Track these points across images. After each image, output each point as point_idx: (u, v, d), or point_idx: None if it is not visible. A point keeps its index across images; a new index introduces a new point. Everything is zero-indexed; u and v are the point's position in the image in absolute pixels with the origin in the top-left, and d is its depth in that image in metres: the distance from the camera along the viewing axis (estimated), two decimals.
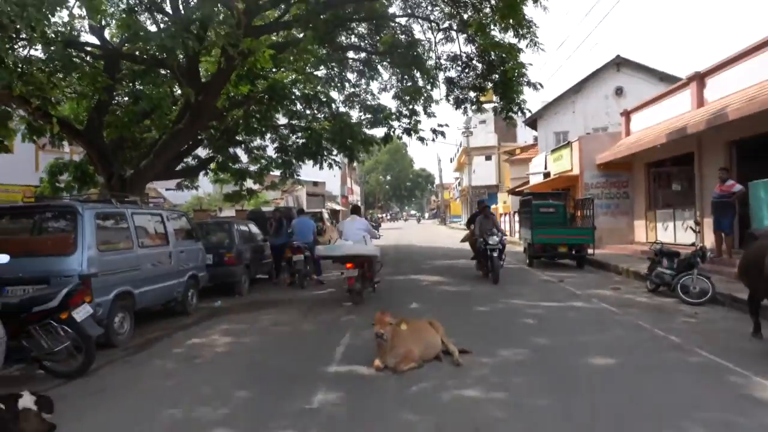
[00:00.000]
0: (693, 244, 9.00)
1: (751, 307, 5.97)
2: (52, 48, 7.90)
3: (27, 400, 4.00)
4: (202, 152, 17.30)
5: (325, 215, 21.54)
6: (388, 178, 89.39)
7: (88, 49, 10.54)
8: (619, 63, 24.72)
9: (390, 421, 3.98)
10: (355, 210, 10.94)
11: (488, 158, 45.85)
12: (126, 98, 13.51)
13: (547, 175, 22.28)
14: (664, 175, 16.21)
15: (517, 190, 27.04)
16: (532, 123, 27.50)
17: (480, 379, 4.89)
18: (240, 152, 17.41)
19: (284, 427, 3.92)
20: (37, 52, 8.63)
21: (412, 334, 5.43)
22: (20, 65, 7.96)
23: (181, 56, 9.89)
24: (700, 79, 13.09)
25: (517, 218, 24.49)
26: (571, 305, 8.56)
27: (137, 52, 10.75)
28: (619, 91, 24.59)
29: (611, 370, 5.14)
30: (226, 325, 7.76)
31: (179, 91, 12.47)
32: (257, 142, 17.61)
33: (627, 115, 17.69)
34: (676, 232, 14.24)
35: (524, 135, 42.05)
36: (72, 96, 11.88)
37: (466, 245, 14.52)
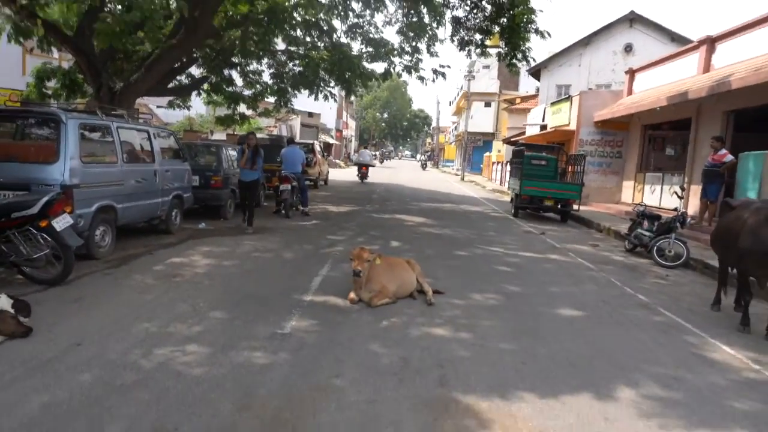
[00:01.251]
0: (675, 209, 9.12)
1: (720, 276, 6.14)
2: None
3: (4, 302, 4.09)
4: (196, 72, 16.81)
5: (317, 147, 21.30)
6: (385, 115, 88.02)
7: None
8: (633, 18, 23.98)
9: (358, 351, 4.13)
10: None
11: (488, 105, 45.16)
12: (119, 6, 12.93)
13: (543, 127, 22.08)
14: (659, 139, 16.16)
15: (512, 139, 26.87)
16: (536, 73, 26.93)
17: (449, 320, 5.05)
18: (235, 75, 16.93)
19: (255, 348, 4.06)
20: None
21: (388, 271, 5.55)
22: None
23: None
24: (710, 43, 12.78)
25: (508, 168, 24.50)
26: (548, 257, 8.74)
27: None
28: (628, 48, 24.00)
29: (577, 321, 5.33)
30: (208, 247, 7.84)
31: (175, 4, 11.93)
32: (253, 66, 17.09)
33: (632, 74, 17.35)
34: (662, 196, 14.36)
35: (526, 85, 41.23)
36: None
37: (455, 190, 14.53)
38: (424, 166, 51.96)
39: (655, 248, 8.68)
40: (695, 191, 11.80)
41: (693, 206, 11.89)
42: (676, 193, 9.50)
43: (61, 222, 5.21)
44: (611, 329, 5.15)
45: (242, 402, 3.24)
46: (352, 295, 5.38)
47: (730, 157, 10.34)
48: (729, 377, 4.14)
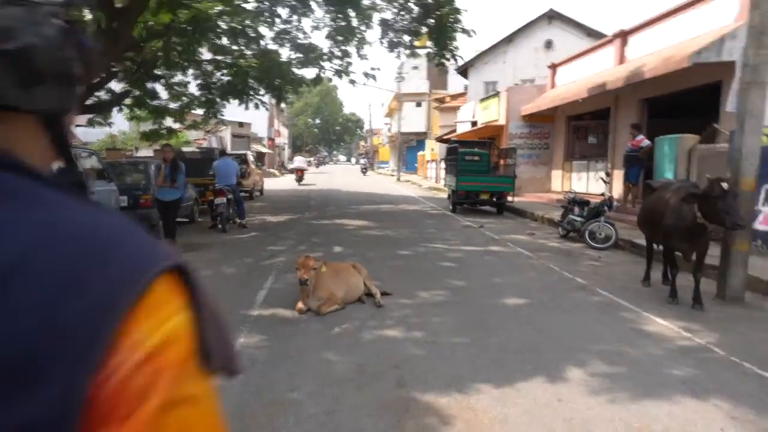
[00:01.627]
0: (602, 194, 9.63)
1: (647, 254, 6.53)
2: None
3: None
4: (116, 86, 16.00)
5: (250, 157, 20.87)
6: (317, 121, 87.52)
7: None
8: (551, 16, 25.15)
9: (311, 362, 4.05)
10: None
11: (419, 105, 45.93)
12: None
13: (474, 123, 22.72)
14: (582, 129, 17.04)
15: (444, 137, 27.45)
16: (464, 71, 27.66)
17: (400, 320, 5.06)
18: (159, 88, 16.25)
19: None
20: None
21: (334, 277, 5.49)
22: None
23: None
24: (623, 36, 13.61)
25: (443, 165, 25.02)
26: (488, 249, 8.98)
27: None
28: (548, 44, 25.13)
29: (522, 309, 5.49)
30: None
31: (90, 16, 11.30)
32: (178, 77, 16.48)
33: (554, 68, 18.19)
34: (589, 183, 15.14)
35: (455, 84, 42.26)
36: None
37: (392, 191, 14.68)
38: (364, 171, 44.07)
39: (586, 232, 9.12)
40: (618, 176, 12.51)
41: (617, 190, 12.60)
42: (602, 178, 10.03)
43: None
44: (555, 313, 5.34)
45: None
46: (300, 304, 5.28)
47: (647, 142, 11.05)
48: (664, 347, 4.40)
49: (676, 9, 11.53)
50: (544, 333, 4.74)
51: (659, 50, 11.77)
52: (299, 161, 34.37)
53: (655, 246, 6.43)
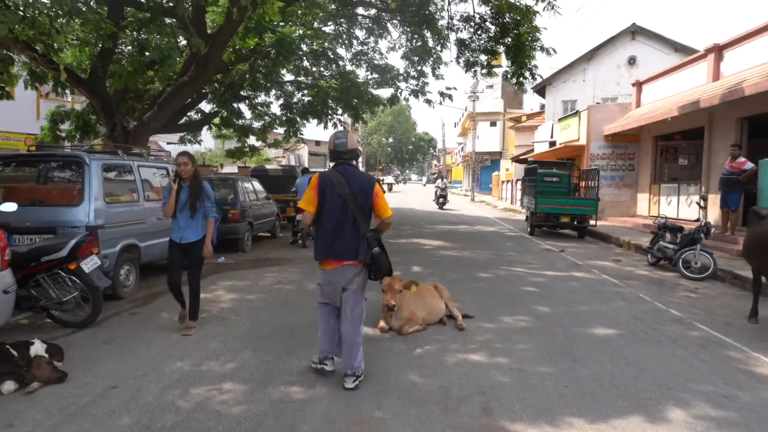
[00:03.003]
0: (698, 220, 9.01)
1: (754, 288, 6.00)
2: None
3: (38, 348, 4.07)
4: (205, 106, 17.08)
5: None
6: (391, 140, 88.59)
7: None
8: (635, 31, 24.16)
9: (395, 382, 4.05)
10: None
11: (493, 124, 45.38)
12: (130, 47, 13.23)
13: (552, 143, 22.09)
14: (671, 149, 16.09)
15: (521, 157, 26.88)
16: (541, 90, 27.08)
17: (483, 344, 4.96)
18: (244, 108, 17.19)
19: (291, 383, 3.99)
20: None
21: (416, 297, 5.48)
22: (23, 8, 7.72)
23: (188, 5, 9.61)
24: (718, 51, 12.80)
25: (519, 186, 24.44)
26: (572, 275, 8.63)
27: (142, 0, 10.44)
28: (632, 61, 24.12)
29: (613, 340, 5.21)
30: (230, 281, 7.82)
31: (184, 42, 12.19)
32: (262, 98, 17.37)
33: (639, 85, 17.39)
34: (680, 207, 14.23)
35: (530, 102, 41.52)
36: (74, 43, 11.61)
37: (466, 211, 14.52)
38: (441, 203, 25.40)
39: (680, 261, 8.54)
40: (713, 200, 11.67)
41: (712, 216, 11.74)
42: (697, 203, 9.40)
43: (90, 264, 5.22)
44: (649, 347, 5.02)
45: None
46: (381, 323, 5.31)
47: (750, 165, 10.25)
48: None
49: None
50: (639, 367, 4.46)
51: (760, 65, 10.95)
52: (389, 179, 54.28)
53: (764, 279, 5.91)
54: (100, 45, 10.25)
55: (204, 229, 5.39)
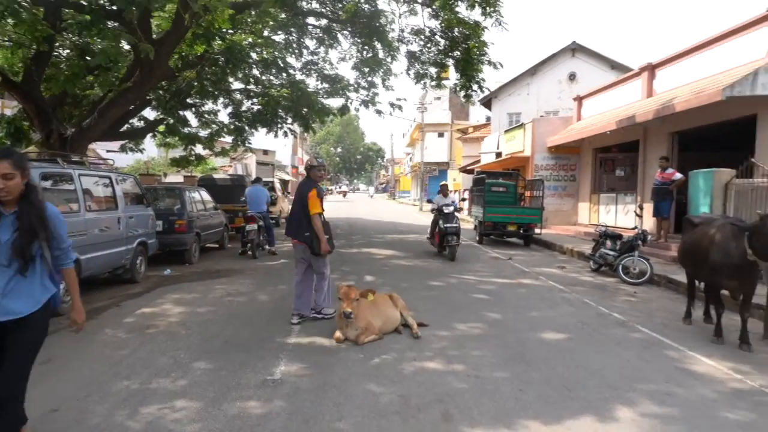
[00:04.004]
0: (635, 228, 9.49)
1: (689, 291, 6.38)
2: None
3: None
4: (149, 114, 16.49)
5: (277, 184, 21.17)
6: (339, 150, 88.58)
7: None
8: (575, 48, 25.33)
9: (354, 392, 4.02)
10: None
11: (441, 135, 46.24)
12: (68, 51, 12.61)
13: (498, 154, 22.75)
14: (609, 161, 16.93)
15: (468, 168, 27.52)
16: (487, 102, 27.87)
17: (439, 352, 5.01)
18: (190, 116, 16.72)
19: (247, 398, 3.89)
20: None
21: (372, 307, 5.48)
22: None
23: (134, 8, 9.28)
24: (651, 69, 13.62)
25: (467, 196, 24.98)
26: (520, 282, 8.88)
27: (83, 1, 9.99)
28: (572, 77, 25.25)
29: (562, 344, 5.39)
30: (178, 294, 7.54)
31: (128, 47, 11.75)
32: (209, 106, 16.95)
33: (579, 100, 18.23)
34: (617, 216, 14.96)
35: (477, 114, 42.61)
36: (5, 44, 10.95)
37: (415, 221, 14.64)
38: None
39: (620, 267, 8.97)
40: (647, 209, 12.35)
41: (647, 224, 12.42)
42: (635, 212, 9.91)
43: None
44: (596, 349, 5.23)
45: None
46: (338, 334, 5.27)
47: (679, 175, 10.93)
48: (716, 389, 4.26)
49: (705, 43, 11.53)
50: (588, 370, 4.63)
51: (689, 83, 11.75)
52: (344, 188, 55.66)
53: (697, 283, 6.30)
54: (34, 47, 9.72)
55: (46, 290, 3.05)
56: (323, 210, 6.07)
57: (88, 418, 3.54)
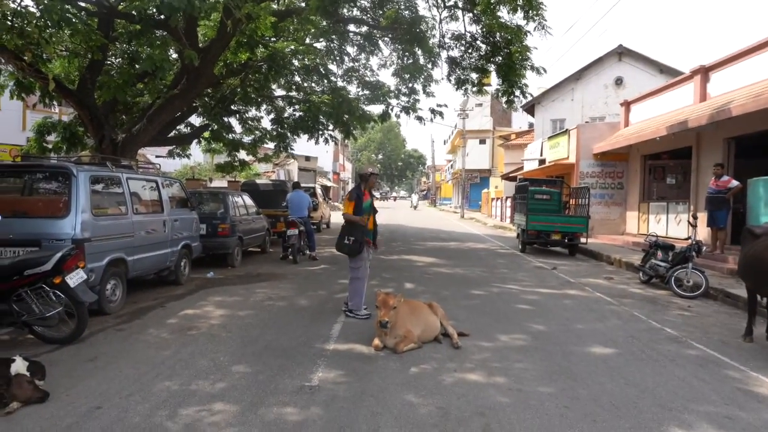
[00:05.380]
0: (688, 238, 9.03)
1: (749, 306, 5.98)
2: (46, 1, 7.55)
3: (19, 365, 3.89)
4: (195, 120, 16.98)
5: (319, 190, 21.37)
6: (380, 156, 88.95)
7: (82, 4, 10.14)
8: (621, 52, 24.59)
9: (392, 402, 3.92)
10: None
11: (482, 142, 45.73)
12: (119, 59, 13.12)
13: (542, 161, 22.24)
14: (659, 168, 16.25)
15: (510, 175, 27.03)
16: (530, 109, 27.36)
17: (480, 363, 4.85)
18: (234, 122, 17.11)
19: (284, 404, 3.85)
20: (30, 5, 8.29)
21: (411, 315, 5.38)
22: (11, 18, 7.62)
23: (179, 17, 9.56)
24: (704, 72, 13.01)
25: (509, 203, 24.54)
26: (565, 293, 8.57)
27: (134, 11, 10.37)
28: (618, 81, 24.51)
29: (610, 359, 5.13)
30: (220, 297, 7.65)
31: (174, 55, 12.12)
32: (252, 112, 17.32)
33: (627, 105, 17.62)
34: (668, 225, 14.32)
35: (519, 121, 42.00)
36: (63, 54, 11.48)
37: (457, 228, 14.45)
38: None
39: (672, 279, 8.54)
40: (701, 219, 11.76)
41: (701, 234, 11.82)
42: (689, 222, 9.43)
43: (75, 278, 5.05)
44: (647, 366, 4.95)
45: None
46: (376, 341, 5.19)
47: (735, 183, 10.36)
48: None
49: (764, 43, 10.91)
50: (639, 387, 4.38)
51: (746, 86, 11.14)
52: (377, 194, 53.84)
53: (759, 298, 5.90)
54: (89, 56, 10.14)
55: None
56: (352, 212, 6.50)
57: (129, 417, 3.58)
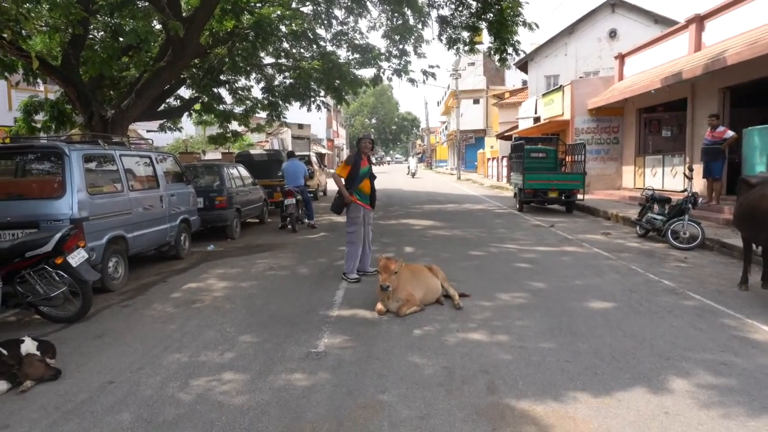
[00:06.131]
0: (685, 190, 9.07)
1: (744, 255, 6.06)
2: None
3: (29, 345, 3.95)
4: (184, 93, 16.69)
5: (314, 158, 21.24)
6: (374, 121, 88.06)
7: None
8: (614, 3, 24.10)
9: (398, 364, 4.01)
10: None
11: (476, 102, 45.24)
12: (102, 33, 12.80)
13: (537, 119, 22.09)
14: (655, 121, 16.18)
15: (505, 134, 26.87)
16: (523, 66, 26.97)
17: (482, 323, 4.95)
18: (224, 93, 16.84)
19: (292, 370, 3.94)
20: None
21: (413, 278, 5.44)
22: None
23: None
24: (699, 21, 12.80)
25: (505, 163, 24.48)
26: (563, 249, 8.67)
27: None
28: (612, 34, 24.09)
29: (609, 312, 5.24)
30: (221, 269, 7.71)
31: (159, 26, 11.82)
32: (242, 82, 17.03)
33: (621, 58, 17.38)
34: (665, 178, 14.36)
35: (513, 78, 41.44)
36: (43, 29, 11.18)
37: (454, 190, 14.45)
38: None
39: (669, 231, 8.62)
40: (697, 170, 11.77)
41: (697, 186, 11.85)
42: (685, 174, 9.45)
43: (77, 257, 5.08)
44: (646, 318, 5.05)
45: (292, 429, 3.11)
46: (379, 306, 5.27)
47: (730, 133, 10.34)
48: None
49: None
50: (638, 339, 4.48)
51: (742, 34, 10.98)
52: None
53: (754, 247, 5.97)
54: (70, 31, 9.88)
55: None
56: (346, 176, 6.69)
57: (141, 390, 3.66)
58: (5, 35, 8.13)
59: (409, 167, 41.02)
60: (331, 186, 25.95)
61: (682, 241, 8.43)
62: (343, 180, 6.67)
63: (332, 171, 33.57)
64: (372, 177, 6.87)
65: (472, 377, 3.77)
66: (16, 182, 6.42)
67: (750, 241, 5.96)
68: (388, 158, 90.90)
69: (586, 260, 7.80)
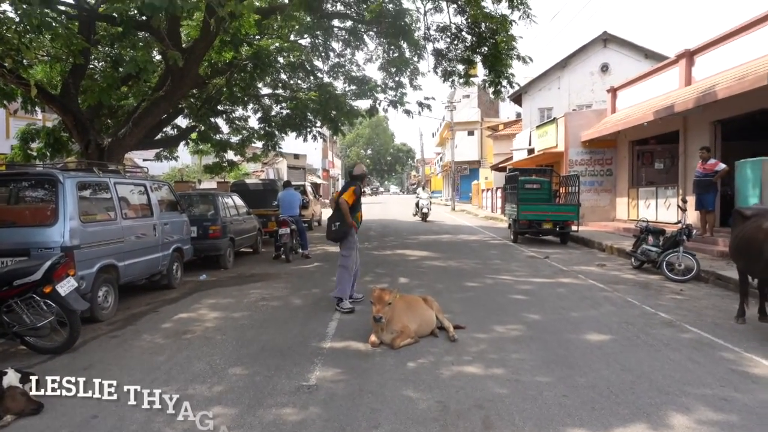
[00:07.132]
0: (678, 222, 9.10)
1: (741, 288, 6.03)
2: (24, 6, 7.42)
3: (12, 378, 3.84)
4: (181, 122, 16.82)
5: (309, 188, 21.28)
6: (369, 152, 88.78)
7: (62, 8, 9.98)
8: (606, 39, 24.68)
9: (391, 398, 3.92)
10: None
11: (471, 133, 45.76)
12: (102, 63, 12.94)
13: (531, 151, 22.31)
14: (647, 153, 16.35)
15: (500, 165, 27.10)
16: (517, 98, 27.40)
17: (478, 355, 4.86)
18: (221, 122, 16.98)
19: (283, 404, 3.83)
20: (8, 10, 8.15)
21: (407, 310, 5.37)
22: None
23: (162, 18, 9.42)
24: (689, 56, 13.08)
25: (499, 194, 24.59)
26: (559, 281, 8.62)
27: (114, 14, 10.22)
28: (604, 68, 24.60)
29: (606, 345, 5.16)
30: (213, 299, 7.60)
31: (158, 56, 11.98)
32: (239, 112, 17.19)
33: (614, 92, 17.68)
34: (658, 210, 14.42)
35: (507, 111, 42.09)
36: (44, 59, 11.30)
37: (448, 221, 14.44)
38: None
39: (664, 263, 8.61)
40: (690, 202, 11.84)
41: (690, 218, 11.90)
42: (679, 206, 9.49)
43: (66, 286, 4.98)
44: (643, 351, 4.98)
45: None
46: (373, 338, 5.18)
47: (722, 166, 10.45)
48: None
49: (748, 25, 10.96)
50: (635, 373, 4.41)
51: (731, 68, 11.21)
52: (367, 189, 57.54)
53: (750, 279, 5.95)
54: (71, 60, 9.99)
55: None
56: (352, 203, 6.70)
57: (126, 425, 3.55)
58: (6, 64, 8.20)
59: (417, 203, 24.94)
60: (326, 216, 25.96)
61: (678, 273, 8.41)
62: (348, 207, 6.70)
63: (327, 201, 33.53)
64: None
65: (467, 412, 3.68)
66: (9, 209, 6.36)
67: (746, 273, 5.94)
68: (382, 189, 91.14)
69: (582, 292, 7.75)
